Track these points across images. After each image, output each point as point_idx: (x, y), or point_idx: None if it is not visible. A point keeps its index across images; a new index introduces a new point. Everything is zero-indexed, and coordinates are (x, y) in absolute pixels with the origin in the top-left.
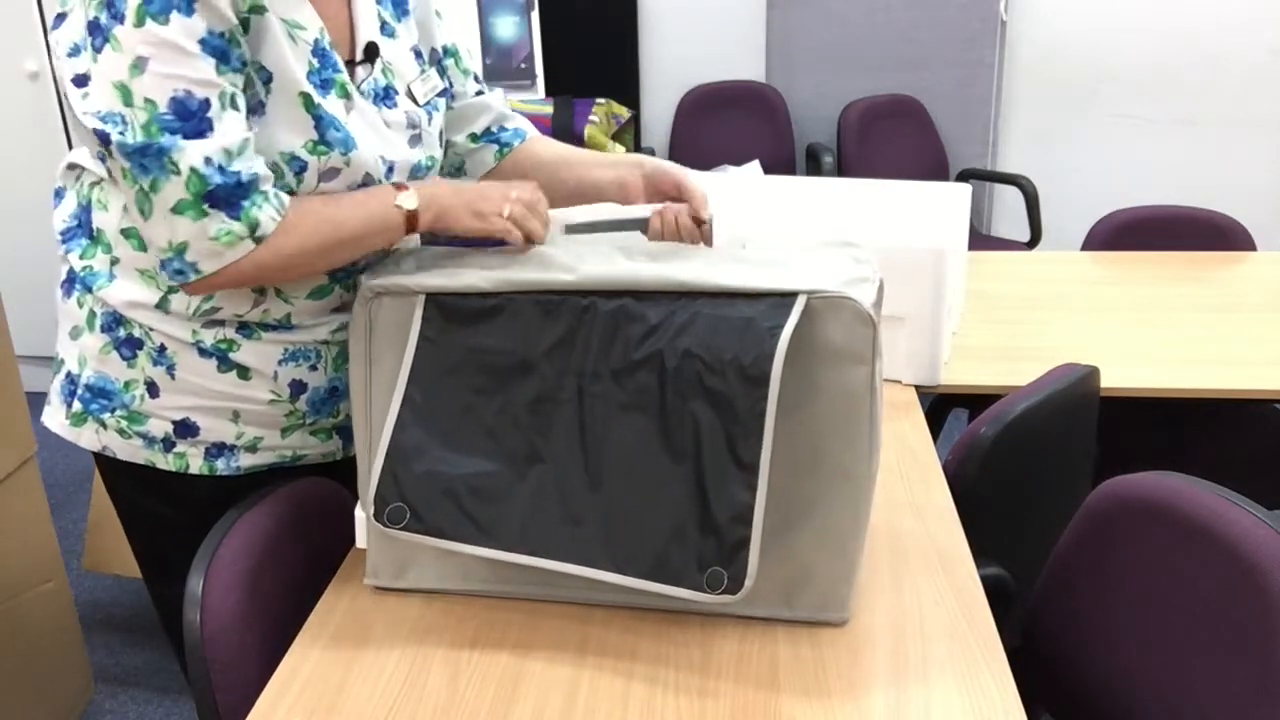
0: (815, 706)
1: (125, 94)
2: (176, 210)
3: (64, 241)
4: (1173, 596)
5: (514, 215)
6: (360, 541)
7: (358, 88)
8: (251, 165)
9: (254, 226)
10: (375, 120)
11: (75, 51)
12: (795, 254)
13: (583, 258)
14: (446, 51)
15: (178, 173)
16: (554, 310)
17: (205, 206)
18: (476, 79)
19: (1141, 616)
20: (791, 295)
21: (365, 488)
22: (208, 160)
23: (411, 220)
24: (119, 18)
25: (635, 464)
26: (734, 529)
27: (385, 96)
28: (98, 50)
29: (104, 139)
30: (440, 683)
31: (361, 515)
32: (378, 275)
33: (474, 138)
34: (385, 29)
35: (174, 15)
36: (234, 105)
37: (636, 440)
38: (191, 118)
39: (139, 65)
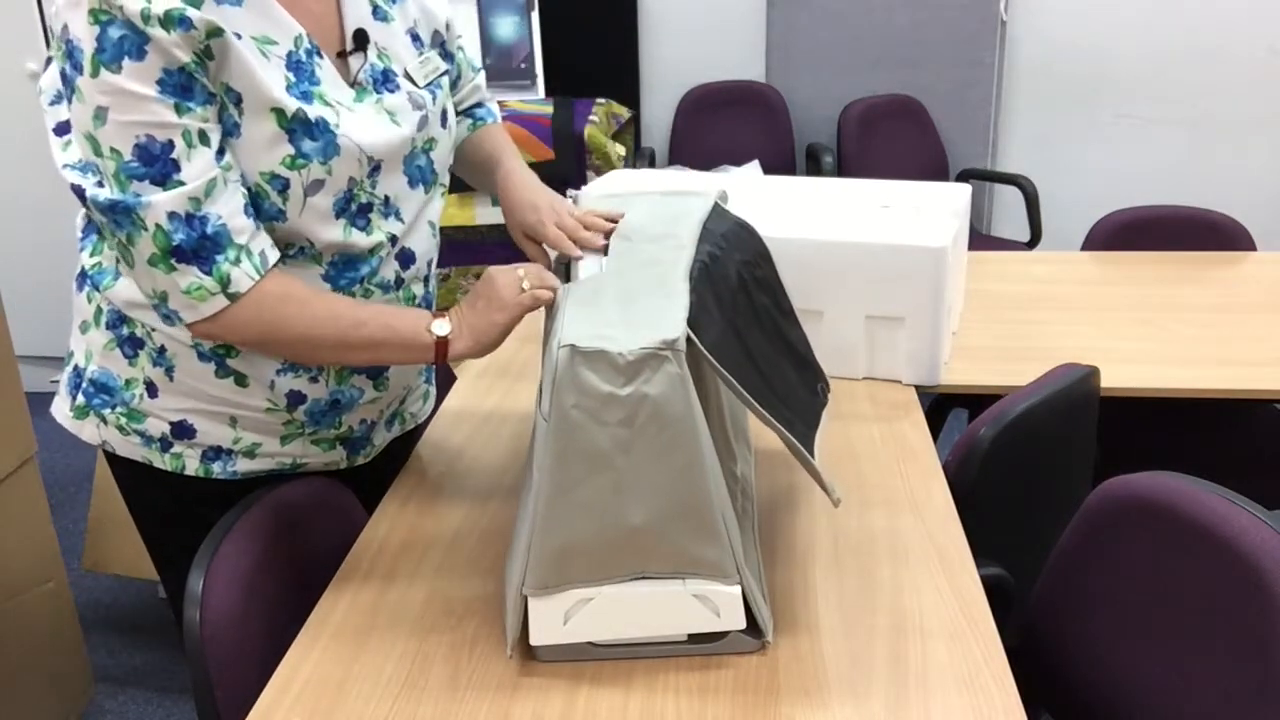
0: (815, 706)
1: (94, 144)
2: (151, 263)
3: (81, 238)
4: (1172, 596)
5: (532, 288)
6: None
7: (354, 78)
8: (222, 209)
9: (225, 282)
10: (374, 111)
11: (58, 99)
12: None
13: (639, 247)
14: (449, 28)
15: (145, 229)
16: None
17: (173, 261)
18: (473, 67)
19: (1141, 616)
20: (717, 202)
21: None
22: (172, 215)
23: (441, 347)
24: (79, 69)
25: (773, 362)
26: (811, 355)
27: (385, 81)
28: (69, 101)
29: (79, 193)
30: (440, 683)
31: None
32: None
33: (463, 112)
34: (378, 13)
35: (126, 62)
36: (203, 141)
37: (765, 345)
38: (156, 162)
39: (100, 115)
